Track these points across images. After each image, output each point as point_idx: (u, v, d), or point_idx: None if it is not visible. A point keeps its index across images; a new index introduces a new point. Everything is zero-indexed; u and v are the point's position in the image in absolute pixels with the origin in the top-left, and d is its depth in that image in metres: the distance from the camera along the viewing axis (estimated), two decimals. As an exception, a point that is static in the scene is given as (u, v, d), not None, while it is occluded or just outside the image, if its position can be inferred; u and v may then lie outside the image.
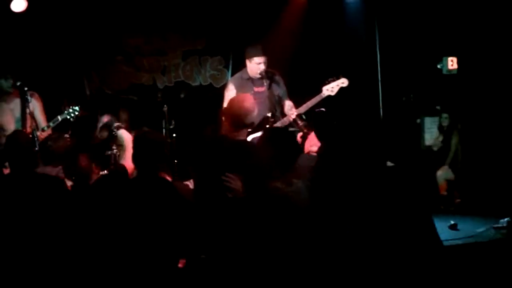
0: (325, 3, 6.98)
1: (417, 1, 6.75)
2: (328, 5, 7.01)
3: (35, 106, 5.52)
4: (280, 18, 6.99)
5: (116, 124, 5.15)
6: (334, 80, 5.33)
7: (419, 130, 7.41)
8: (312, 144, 4.53)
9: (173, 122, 6.60)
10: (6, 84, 5.41)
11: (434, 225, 3.26)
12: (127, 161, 4.66)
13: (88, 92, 7.68)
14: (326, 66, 7.01)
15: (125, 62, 7.79)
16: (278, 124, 5.37)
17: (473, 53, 6.65)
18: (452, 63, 6.48)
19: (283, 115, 5.46)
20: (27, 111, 5.39)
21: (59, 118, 5.41)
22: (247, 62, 5.50)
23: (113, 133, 5.06)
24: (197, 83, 7.75)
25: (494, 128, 6.62)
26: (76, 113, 5.40)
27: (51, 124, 5.41)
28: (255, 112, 4.20)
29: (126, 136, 5.16)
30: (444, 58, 6.49)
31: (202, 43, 7.73)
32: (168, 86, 7.75)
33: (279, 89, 5.53)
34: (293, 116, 5.32)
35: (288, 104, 5.53)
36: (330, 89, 5.33)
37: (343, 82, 5.32)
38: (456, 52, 6.53)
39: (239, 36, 7.22)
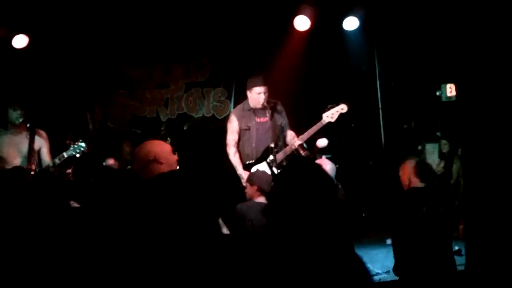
0: (325, 33, 7.09)
1: (415, 30, 6.85)
2: (328, 34, 7.12)
3: (43, 144, 5.51)
4: (282, 49, 7.10)
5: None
6: (333, 107, 5.36)
7: (421, 157, 7.45)
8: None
9: (176, 154, 6.64)
10: (15, 114, 5.36)
11: None
12: None
13: (91, 126, 7.74)
14: (328, 95, 7.09)
15: (127, 95, 7.87)
16: (280, 154, 5.41)
17: (471, 79, 6.73)
18: (450, 90, 6.54)
19: (286, 145, 5.50)
20: (34, 148, 5.39)
21: (65, 154, 5.36)
22: (248, 93, 5.53)
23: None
24: (199, 115, 7.81)
25: (495, 152, 6.65)
26: (82, 149, 5.35)
27: (56, 160, 5.37)
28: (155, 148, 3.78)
29: None
30: (442, 85, 6.56)
31: (204, 75, 7.82)
32: (171, 118, 7.82)
33: (282, 119, 5.56)
34: (296, 145, 5.33)
35: (290, 134, 5.56)
36: (330, 115, 5.36)
37: (342, 108, 5.35)
38: (454, 79, 6.60)
39: (241, 67, 7.33)
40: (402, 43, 7.04)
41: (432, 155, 7.27)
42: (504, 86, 6.47)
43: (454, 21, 6.57)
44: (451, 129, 7.12)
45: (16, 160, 5.38)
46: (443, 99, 6.58)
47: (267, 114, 5.45)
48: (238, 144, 5.58)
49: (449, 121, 7.10)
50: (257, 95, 5.41)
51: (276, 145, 5.37)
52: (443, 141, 7.09)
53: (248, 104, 5.56)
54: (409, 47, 7.02)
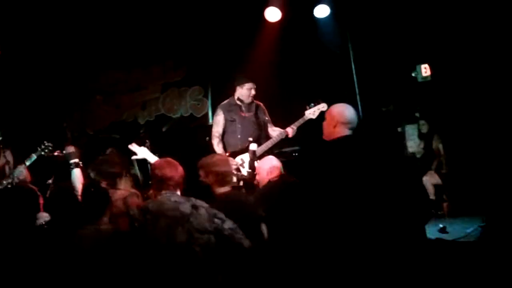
0: (297, 22, 7.08)
1: (386, 13, 6.87)
2: (301, 23, 7.12)
3: (10, 159, 5.46)
4: (255, 42, 7.11)
5: (74, 160, 4.66)
6: (315, 105, 5.72)
7: (402, 138, 7.47)
8: None
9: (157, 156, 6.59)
10: None
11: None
12: None
13: (69, 135, 7.67)
14: (304, 85, 7.12)
15: (104, 101, 7.81)
16: (263, 147, 5.67)
17: (445, 59, 6.77)
18: (425, 70, 6.58)
19: (267, 138, 5.79)
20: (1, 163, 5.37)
21: (34, 156, 5.33)
22: (239, 88, 5.84)
23: (70, 167, 4.63)
24: (178, 115, 7.78)
25: (474, 129, 6.71)
26: (50, 148, 5.29)
27: (26, 162, 5.32)
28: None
29: (77, 177, 4.59)
30: (417, 66, 6.59)
31: (180, 75, 7.78)
32: (150, 120, 7.77)
33: (265, 116, 5.94)
34: (291, 133, 5.71)
35: (273, 129, 5.89)
36: (312, 112, 5.73)
37: (323, 106, 5.68)
38: (428, 59, 6.63)
39: (217, 64, 7.31)
40: (374, 27, 7.05)
41: (412, 136, 7.30)
42: (476, 64, 6.53)
43: (425, 1, 6.61)
44: (429, 109, 7.15)
45: None
46: (419, 79, 6.61)
47: (252, 110, 5.86)
48: (223, 136, 5.88)
49: (427, 101, 7.14)
50: (247, 91, 5.80)
51: (260, 137, 5.77)
52: (421, 122, 7.11)
53: (235, 100, 5.90)
54: (381, 30, 7.04)
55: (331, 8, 6.79)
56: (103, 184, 4.06)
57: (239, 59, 7.04)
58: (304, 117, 5.73)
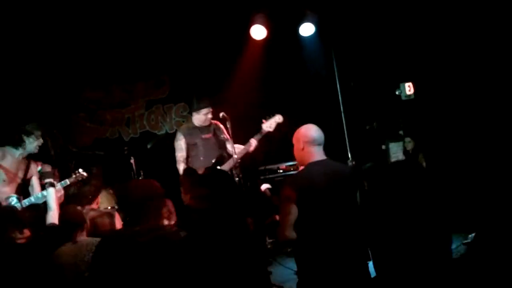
0: (283, 40, 7.13)
1: (371, 31, 6.95)
2: (286, 42, 7.17)
3: (34, 172, 5.42)
4: (240, 59, 7.14)
5: (49, 180, 4.88)
6: (270, 118, 5.84)
7: (386, 156, 7.50)
8: None
9: (141, 173, 6.56)
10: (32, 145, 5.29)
11: None
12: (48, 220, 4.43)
13: (52, 152, 7.57)
14: (289, 102, 7.14)
15: (87, 118, 7.75)
16: (226, 165, 5.79)
17: (428, 77, 6.85)
18: (409, 88, 6.65)
19: (229, 156, 5.88)
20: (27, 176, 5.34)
21: (68, 181, 5.23)
22: (195, 113, 5.95)
23: (45, 186, 4.84)
24: (163, 132, 7.76)
25: (457, 146, 6.77)
26: (84, 178, 5.28)
27: (59, 185, 5.16)
28: None
29: (52, 196, 4.73)
30: (401, 84, 6.65)
31: (164, 92, 7.76)
32: (134, 137, 7.72)
33: (222, 135, 6.03)
34: (252, 146, 5.82)
35: (233, 146, 5.89)
36: (269, 125, 5.84)
37: (278, 118, 5.83)
38: (412, 78, 6.71)
39: (201, 80, 7.31)
40: (359, 45, 7.13)
41: (397, 154, 7.33)
42: (459, 82, 6.61)
43: (408, 20, 6.71)
44: (413, 127, 7.21)
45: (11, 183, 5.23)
46: (403, 97, 6.67)
47: (211, 131, 5.98)
48: (187, 160, 5.96)
49: (411, 119, 7.20)
50: (203, 116, 5.91)
51: (222, 157, 5.89)
52: (407, 139, 7.16)
53: (193, 123, 6.01)
54: (366, 48, 7.11)
55: (316, 27, 6.86)
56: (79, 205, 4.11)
57: (225, 76, 7.07)
58: (262, 130, 5.82)
